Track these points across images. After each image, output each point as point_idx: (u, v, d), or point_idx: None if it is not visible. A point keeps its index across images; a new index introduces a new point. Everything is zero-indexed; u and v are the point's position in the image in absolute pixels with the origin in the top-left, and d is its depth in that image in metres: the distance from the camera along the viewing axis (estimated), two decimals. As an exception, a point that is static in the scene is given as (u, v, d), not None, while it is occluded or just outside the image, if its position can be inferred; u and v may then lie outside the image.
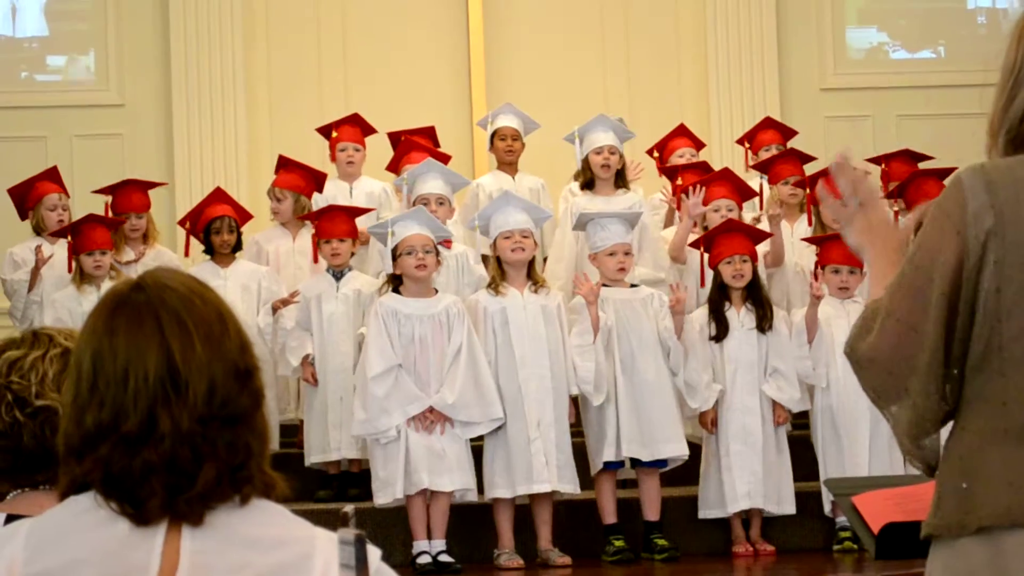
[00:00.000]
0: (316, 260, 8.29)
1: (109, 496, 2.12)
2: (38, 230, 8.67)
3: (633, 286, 7.76)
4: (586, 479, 7.57)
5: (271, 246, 8.75)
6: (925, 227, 2.74)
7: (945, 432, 2.78)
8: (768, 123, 9.59)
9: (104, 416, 2.13)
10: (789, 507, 7.58)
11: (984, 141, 2.79)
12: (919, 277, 2.71)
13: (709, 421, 7.60)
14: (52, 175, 8.82)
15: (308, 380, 8.00)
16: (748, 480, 7.50)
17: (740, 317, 7.67)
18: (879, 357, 2.73)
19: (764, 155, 9.26)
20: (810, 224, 8.41)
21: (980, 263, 2.66)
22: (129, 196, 8.82)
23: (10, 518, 2.56)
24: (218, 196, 8.63)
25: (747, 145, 9.47)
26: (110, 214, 8.73)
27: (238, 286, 8.20)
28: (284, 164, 8.89)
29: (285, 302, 8.11)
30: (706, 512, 7.59)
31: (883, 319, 2.73)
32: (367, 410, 7.27)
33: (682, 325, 7.53)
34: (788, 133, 9.50)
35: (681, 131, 9.51)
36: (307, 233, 8.51)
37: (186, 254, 8.78)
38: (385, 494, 7.28)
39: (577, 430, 7.67)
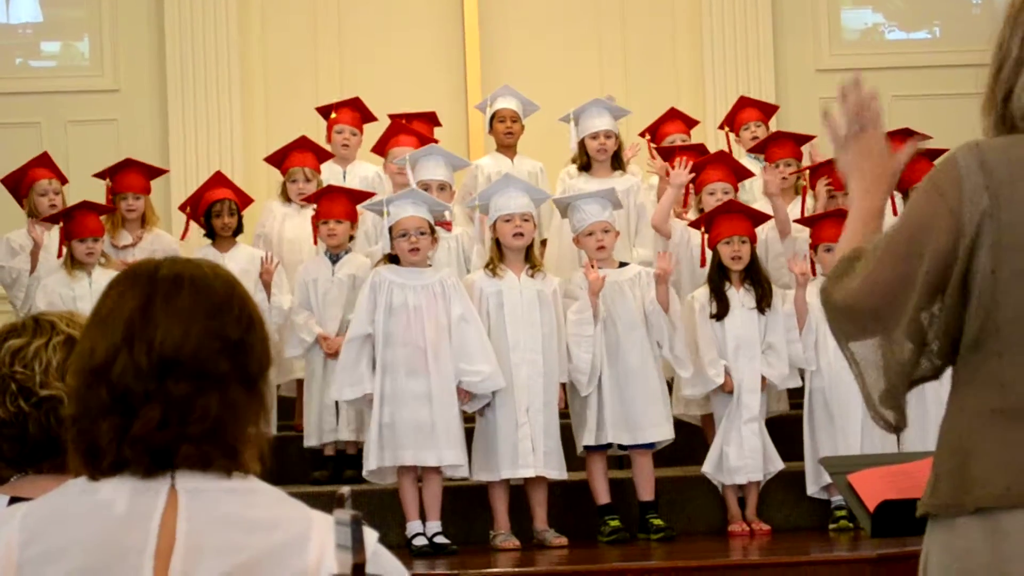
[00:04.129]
0: (316, 242, 8.30)
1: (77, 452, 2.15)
2: (33, 216, 8.69)
3: (623, 264, 7.75)
4: (580, 460, 7.59)
5: (279, 216, 8.75)
6: (917, 198, 2.74)
7: (939, 411, 2.79)
8: (745, 102, 9.54)
9: (88, 362, 2.17)
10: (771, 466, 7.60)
11: (981, 122, 2.80)
12: (908, 248, 2.70)
13: (730, 391, 7.61)
14: (43, 160, 8.83)
15: (331, 352, 7.93)
16: (748, 455, 7.51)
17: (740, 296, 7.69)
18: (855, 307, 2.73)
19: (745, 134, 9.25)
20: (803, 211, 8.38)
21: (974, 244, 2.66)
22: (128, 177, 8.82)
23: (13, 500, 2.57)
24: (218, 180, 8.65)
25: (727, 129, 9.46)
26: (111, 197, 8.75)
27: (237, 270, 8.17)
28: (304, 144, 8.87)
29: (268, 272, 8.08)
30: (716, 480, 7.61)
31: (864, 276, 2.72)
32: (338, 375, 7.37)
33: (667, 294, 7.51)
34: (768, 110, 9.48)
35: (673, 115, 9.49)
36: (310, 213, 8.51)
37: (182, 237, 8.78)
38: (368, 461, 7.28)
39: (565, 411, 7.69)
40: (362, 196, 8.27)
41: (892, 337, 2.70)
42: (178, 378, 2.13)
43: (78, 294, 7.99)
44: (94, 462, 2.15)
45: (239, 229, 8.50)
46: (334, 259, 8.12)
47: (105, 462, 2.14)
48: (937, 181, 2.71)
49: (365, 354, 7.32)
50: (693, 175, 8.18)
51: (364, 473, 7.36)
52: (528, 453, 7.34)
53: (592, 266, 7.50)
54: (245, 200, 8.63)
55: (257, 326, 2.22)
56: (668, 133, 9.30)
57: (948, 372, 2.78)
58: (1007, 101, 2.73)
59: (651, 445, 7.56)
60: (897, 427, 2.76)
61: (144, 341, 2.14)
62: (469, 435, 7.47)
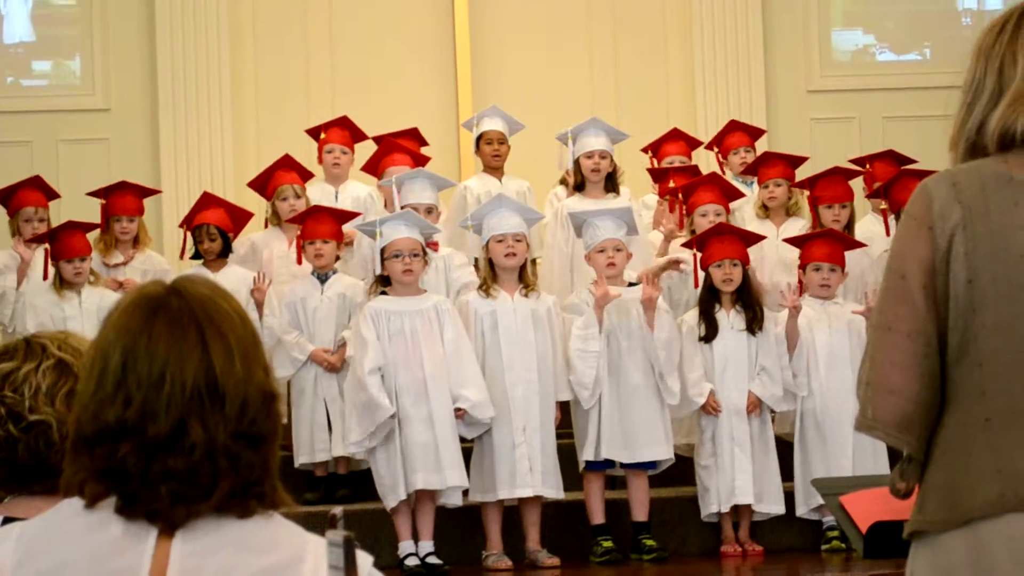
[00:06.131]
0: (300, 262, 8.29)
1: (108, 492, 2.12)
2: (17, 236, 8.70)
3: (631, 284, 7.77)
4: (577, 480, 7.58)
5: (266, 250, 8.76)
6: (896, 237, 2.78)
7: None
8: (734, 126, 9.57)
9: (130, 415, 2.12)
10: (777, 507, 7.60)
11: (950, 156, 2.85)
12: (894, 274, 2.74)
13: (712, 408, 7.58)
14: (35, 183, 8.82)
15: (335, 364, 7.94)
16: (739, 478, 7.51)
17: (730, 318, 7.70)
18: (873, 364, 2.74)
19: (734, 159, 9.28)
20: (815, 225, 8.38)
21: (948, 256, 2.69)
22: (122, 199, 8.81)
23: (7, 520, 2.56)
24: (206, 201, 8.63)
25: (716, 150, 9.48)
26: (105, 217, 8.74)
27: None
28: (288, 163, 8.88)
29: (260, 290, 8.07)
30: (707, 513, 7.59)
31: (873, 329, 2.74)
32: (362, 410, 7.26)
33: (653, 320, 7.51)
34: (756, 133, 9.50)
35: (675, 135, 9.52)
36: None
37: (181, 256, 8.76)
38: (394, 496, 7.25)
39: (567, 431, 7.69)
40: (348, 216, 8.27)
41: (914, 368, 2.70)
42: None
43: (68, 314, 7.99)
44: (109, 487, 2.13)
45: (227, 250, 8.48)
46: (322, 279, 8.12)
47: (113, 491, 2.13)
48: (910, 210, 2.76)
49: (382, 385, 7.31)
50: (683, 232, 8.24)
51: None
52: (526, 473, 7.35)
53: (613, 293, 7.47)
54: (241, 217, 8.63)
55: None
56: (669, 153, 9.33)
57: None
58: (980, 132, 2.76)
59: (652, 466, 7.55)
60: (913, 452, 2.77)
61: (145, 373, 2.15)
62: (467, 455, 7.47)
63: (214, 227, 8.40)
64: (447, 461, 7.25)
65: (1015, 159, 2.74)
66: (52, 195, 8.85)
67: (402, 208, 8.02)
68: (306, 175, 8.89)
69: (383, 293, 7.50)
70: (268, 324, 8.02)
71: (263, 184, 8.89)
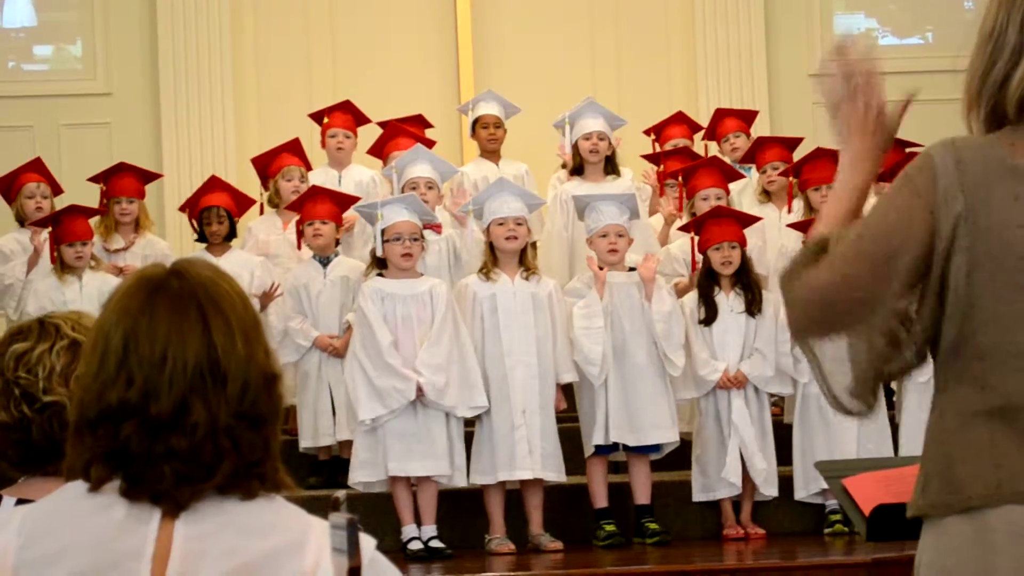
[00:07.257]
0: (300, 247, 8.28)
1: (113, 474, 2.12)
2: (20, 220, 8.69)
3: (632, 269, 7.77)
4: (579, 464, 7.58)
5: (262, 234, 8.76)
6: (893, 196, 2.69)
7: (923, 412, 2.78)
8: (722, 113, 9.53)
9: (132, 395, 2.12)
10: (772, 489, 7.60)
11: (963, 115, 2.76)
12: (884, 247, 2.67)
13: (730, 382, 7.58)
14: (35, 166, 8.83)
15: (338, 349, 7.92)
16: (738, 460, 7.51)
17: (729, 301, 7.69)
18: (822, 302, 2.68)
19: (725, 146, 9.27)
20: (790, 211, 8.39)
21: (950, 248, 2.64)
22: (122, 181, 8.81)
23: (19, 502, 2.57)
24: (213, 184, 8.63)
25: (705, 142, 9.47)
26: (104, 201, 8.74)
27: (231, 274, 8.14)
28: (295, 148, 8.89)
29: (269, 296, 8.06)
30: (700, 495, 7.60)
31: (834, 271, 2.67)
32: (381, 380, 7.24)
33: (651, 293, 7.51)
34: (748, 116, 9.49)
35: (679, 118, 9.51)
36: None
37: (198, 239, 8.74)
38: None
39: (571, 415, 7.69)
40: (347, 199, 8.26)
41: (862, 334, 2.67)
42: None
43: (68, 298, 7.98)
44: (111, 470, 2.13)
45: (232, 234, 8.49)
46: (324, 262, 8.11)
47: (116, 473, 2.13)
48: (913, 178, 2.68)
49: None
50: (680, 215, 8.26)
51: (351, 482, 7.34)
52: (525, 455, 7.35)
53: (597, 263, 7.50)
54: (245, 202, 8.63)
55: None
56: (672, 136, 9.33)
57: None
58: (1002, 89, 2.69)
59: (656, 448, 7.55)
60: (861, 415, 2.75)
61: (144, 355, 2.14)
62: (468, 439, 7.47)
63: (223, 209, 8.41)
64: (428, 451, 7.24)
65: (1022, 140, 2.67)
66: (55, 187, 8.83)
67: (402, 185, 8.03)
68: (307, 167, 8.89)
69: (379, 275, 7.50)
70: (272, 323, 7.98)
71: (267, 163, 8.88)
